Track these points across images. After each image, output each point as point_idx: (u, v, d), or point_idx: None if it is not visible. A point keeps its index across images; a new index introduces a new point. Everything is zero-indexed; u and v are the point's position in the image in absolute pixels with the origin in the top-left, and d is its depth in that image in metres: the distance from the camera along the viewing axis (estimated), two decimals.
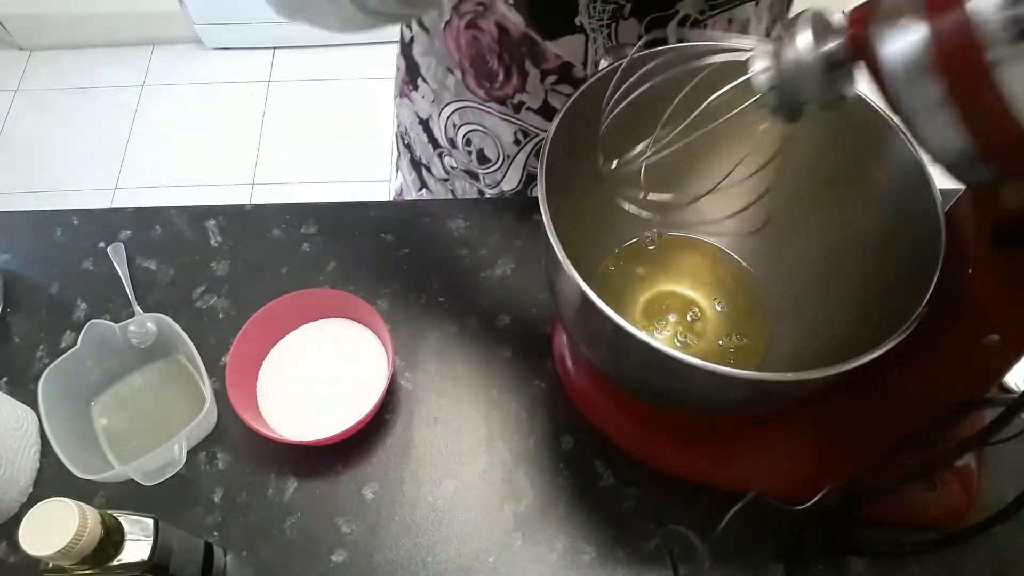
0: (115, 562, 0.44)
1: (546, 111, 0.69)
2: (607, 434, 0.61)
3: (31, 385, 0.61)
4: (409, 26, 0.72)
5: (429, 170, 0.85)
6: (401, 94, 0.81)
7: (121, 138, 1.97)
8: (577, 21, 0.61)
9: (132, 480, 0.55)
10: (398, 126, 0.86)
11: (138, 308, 0.67)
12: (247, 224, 0.74)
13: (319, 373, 0.63)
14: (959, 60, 0.27)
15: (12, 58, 2.13)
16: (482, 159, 0.77)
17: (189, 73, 2.09)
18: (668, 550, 0.56)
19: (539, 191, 0.45)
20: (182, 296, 0.69)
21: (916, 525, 0.56)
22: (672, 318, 0.63)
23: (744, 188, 0.50)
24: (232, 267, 0.71)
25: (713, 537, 0.49)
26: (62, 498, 0.41)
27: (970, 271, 0.39)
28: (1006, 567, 0.56)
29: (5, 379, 0.65)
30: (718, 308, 0.63)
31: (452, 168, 0.81)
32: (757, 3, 0.65)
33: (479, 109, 0.72)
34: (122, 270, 0.70)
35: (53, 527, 0.40)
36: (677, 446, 0.60)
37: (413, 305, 0.68)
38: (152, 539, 0.46)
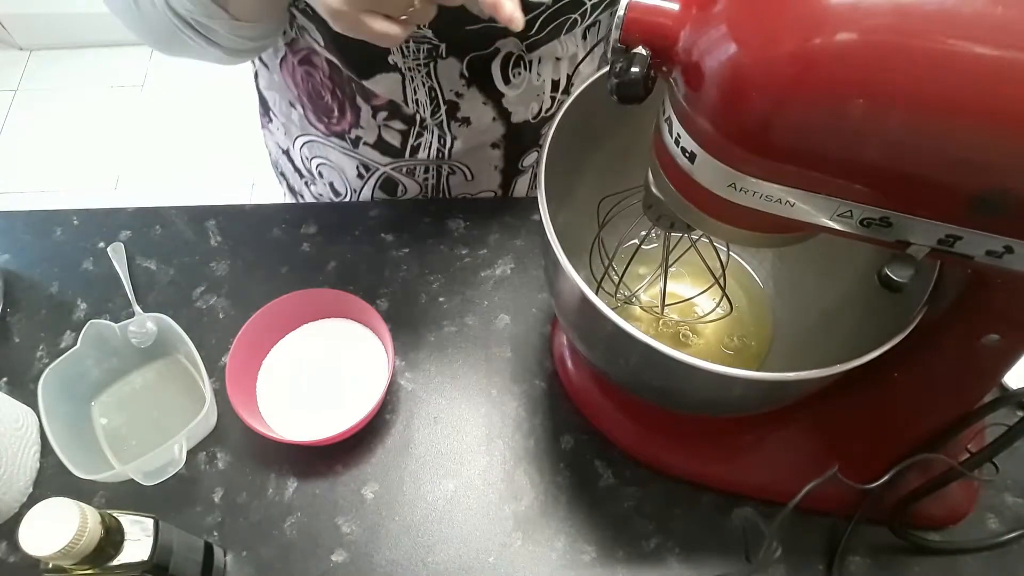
0: (115, 562, 0.44)
1: (382, 146, 0.70)
2: (607, 434, 0.61)
3: (31, 385, 0.61)
4: (253, 60, 0.72)
5: (302, 196, 0.86)
6: (263, 125, 0.82)
7: (121, 138, 1.97)
8: (391, 60, 0.61)
9: (132, 480, 0.55)
10: (270, 154, 0.86)
11: (138, 308, 0.67)
12: (247, 224, 0.74)
13: (319, 373, 0.63)
14: None
15: (12, 58, 2.13)
16: (334, 191, 0.79)
17: (188, 73, 2.08)
18: (742, 532, 0.56)
19: (539, 191, 0.45)
20: (182, 296, 0.69)
21: (918, 526, 0.56)
22: (673, 318, 0.63)
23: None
24: (232, 267, 0.71)
25: (779, 520, 0.49)
26: (62, 498, 0.41)
27: (970, 271, 0.39)
28: (1006, 567, 0.56)
29: (5, 379, 0.65)
30: (719, 308, 0.63)
31: (319, 196, 0.82)
32: (584, 34, 0.64)
33: (323, 143, 0.73)
34: (122, 270, 0.70)
35: (53, 527, 0.40)
36: (677, 446, 0.60)
37: (413, 305, 0.68)
38: (152, 539, 0.46)
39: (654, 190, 0.40)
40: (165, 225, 0.74)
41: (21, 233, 0.74)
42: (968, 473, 0.49)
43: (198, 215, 0.74)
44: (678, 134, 0.34)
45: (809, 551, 0.57)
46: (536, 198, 0.45)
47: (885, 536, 0.57)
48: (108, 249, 0.71)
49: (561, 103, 0.68)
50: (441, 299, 0.69)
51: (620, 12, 0.33)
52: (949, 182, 0.30)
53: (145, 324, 0.65)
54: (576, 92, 0.48)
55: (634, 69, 0.32)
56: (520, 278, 0.70)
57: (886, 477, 0.49)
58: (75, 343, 0.61)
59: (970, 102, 0.27)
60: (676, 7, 0.32)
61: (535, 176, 0.78)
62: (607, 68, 0.34)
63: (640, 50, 0.32)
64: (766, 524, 0.53)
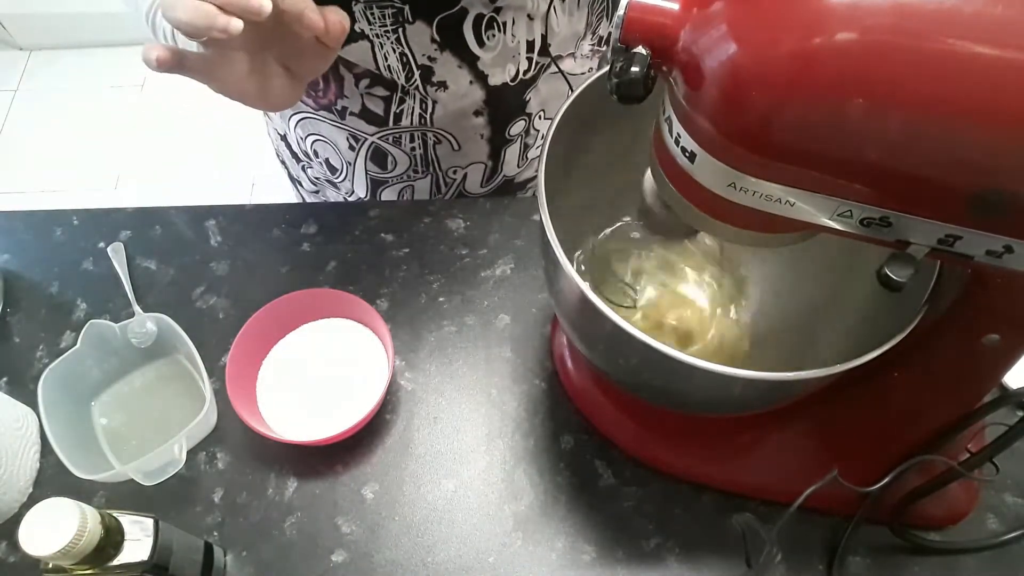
0: (115, 562, 0.44)
1: (367, 115, 0.70)
2: (607, 434, 0.61)
3: (31, 385, 0.61)
4: None
5: (301, 184, 0.87)
6: (264, 112, 0.81)
7: (121, 138, 1.97)
8: (358, 28, 0.60)
9: (132, 480, 0.55)
10: (272, 144, 0.87)
11: (138, 308, 0.67)
12: (247, 224, 0.74)
13: (319, 373, 0.63)
14: None
15: (12, 58, 2.13)
16: (331, 168, 0.79)
17: None
18: (743, 537, 0.56)
19: (539, 191, 0.45)
20: (182, 296, 0.69)
21: (918, 526, 0.56)
22: (673, 318, 0.63)
23: None
24: (232, 267, 0.71)
25: (779, 526, 0.49)
26: (62, 498, 0.41)
27: (970, 271, 0.39)
28: (1006, 567, 0.56)
29: (5, 379, 0.65)
30: (720, 307, 0.63)
31: (316, 179, 0.83)
32: None
33: (314, 118, 0.73)
34: (122, 270, 0.70)
35: (53, 527, 0.40)
36: (677, 446, 0.60)
37: (413, 305, 0.68)
38: (152, 539, 0.46)
39: (648, 201, 0.40)
40: (165, 225, 0.74)
41: (21, 233, 0.74)
42: (968, 473, 0.49)
43: (198, 215, 0.74)
44: (678, 134, 0.34)
45: (809, 551, 0.57)
46: (536, 198, 0.45)
47: (885, 536, 0.57)
48: (108, 249, 0.71)
49: (539, 65, 0.68)
50: (441, 299, 0.69)
51: (620, 12, 0.33)
52: (949, 182, 0.30)
53: (145, 324, 0.65)
54: (576, 92, 0.48)
55: (634, 69, 0.32)
56: (520, 278, 0.70)
57: (886, 479, 0.49)
58: (75, 343, 0.61)
59: (970, 102, 0.27)
60: (676, 7, 0.32)
61: (525, 147, 0.79)
62: (607, 68, 0.34)
63: (640, 50, 0.32)
64: (766, 530, 0.53)
